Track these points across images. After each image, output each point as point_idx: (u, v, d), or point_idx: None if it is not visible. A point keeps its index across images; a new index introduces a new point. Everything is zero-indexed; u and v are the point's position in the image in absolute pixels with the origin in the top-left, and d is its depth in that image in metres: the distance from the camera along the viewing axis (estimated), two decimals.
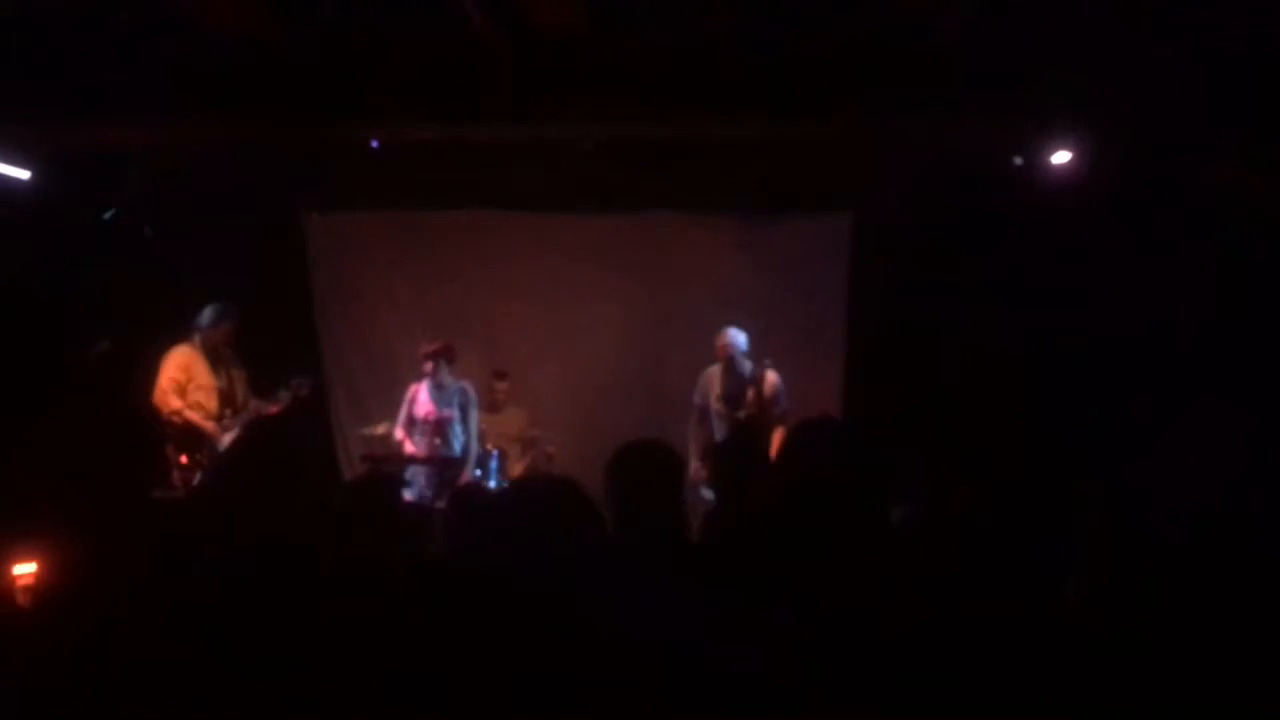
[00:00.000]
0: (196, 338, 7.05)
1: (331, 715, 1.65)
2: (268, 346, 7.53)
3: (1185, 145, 6.36)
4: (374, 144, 7.34)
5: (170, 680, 1.70)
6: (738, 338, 7.24)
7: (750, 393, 7.06)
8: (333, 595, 1.87)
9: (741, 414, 6.99)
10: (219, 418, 6.96)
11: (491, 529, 1.79)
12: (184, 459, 6.78)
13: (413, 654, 1.56)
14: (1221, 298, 6.69)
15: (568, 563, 1.56)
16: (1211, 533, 2.87)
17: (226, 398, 7.05)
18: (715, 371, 7.37)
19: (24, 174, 7.20)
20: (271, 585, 2.05)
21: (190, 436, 6.85)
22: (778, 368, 7.11)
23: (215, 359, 7.06)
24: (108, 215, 7.73)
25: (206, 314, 7.06)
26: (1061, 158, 6.91)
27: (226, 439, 6.85)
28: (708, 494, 5.39)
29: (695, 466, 6.52)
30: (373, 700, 1.65)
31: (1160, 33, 5.78)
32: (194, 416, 6.87)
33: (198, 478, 6.71)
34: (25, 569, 3.09)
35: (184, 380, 6.92)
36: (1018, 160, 7.13)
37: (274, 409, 7.15)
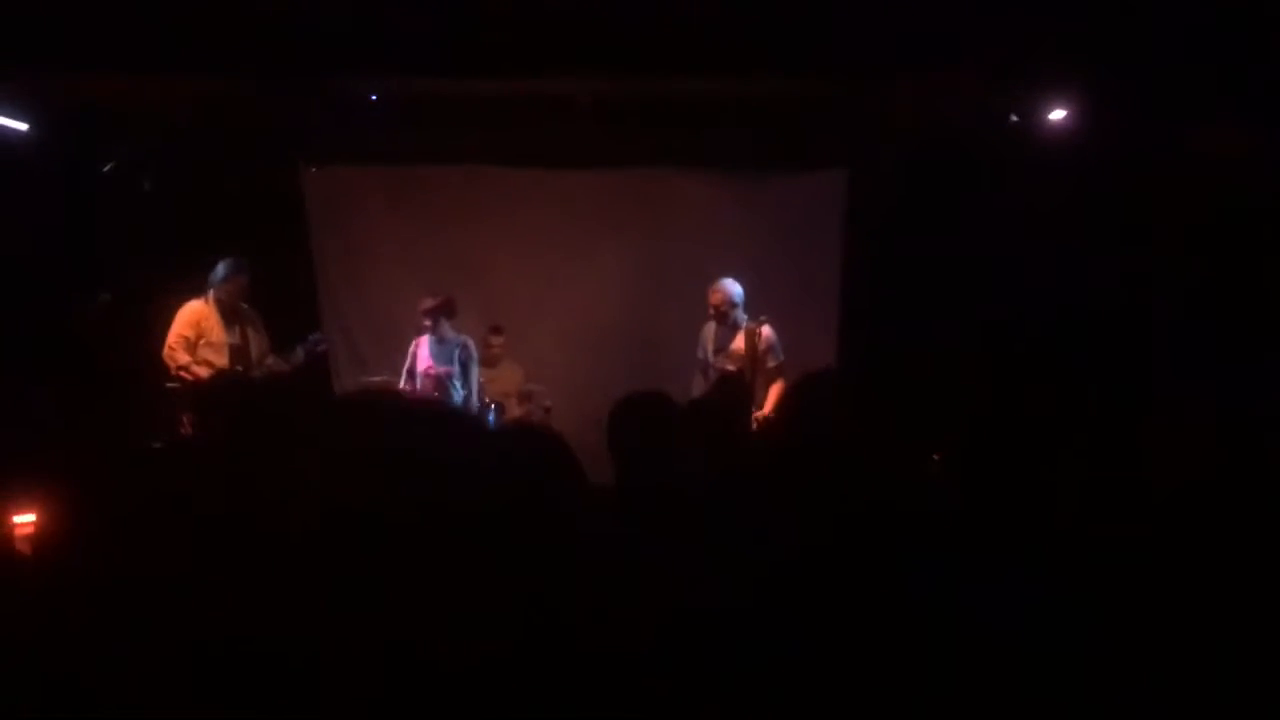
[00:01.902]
0: (210, 293, 6.98)
1: (320, 667, 1.69)
2: (273, 301, 7.52)
3: (1183, 105, 6.35)
4: (373, 97, 7.34)
5: (171, 630, 1.74)
6: (732, 288, 7.15)
7: (742, 344, 7.04)
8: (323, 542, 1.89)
9: (733, 367, 6.97)
10: None
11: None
12: (189, 416, 6.77)
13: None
14: (1216, 257, 6.71)
15: (540, 514, 1.59)
16: (1197, 510, 2.83)
17: (239, 354, 6.95)
18: (713, 325, 7.38)
19: (22, 126, 7.19)
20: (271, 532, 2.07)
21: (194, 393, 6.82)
22: (773, 323, 7.12)
23: (229, 315, 6.98)
24: (107, 168, 7.73)
25: (219, 269, 6.98)
26: (1058, 114, 6.91)
27: None
28: None
29: None
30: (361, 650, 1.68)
31: None
32: (201, 373, 6.75)
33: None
34: (25, 519, 3.14)
35: (193, 336, 6.86)
36: (1014, 118, 7.14)
37: (287, 367, 7.08)
